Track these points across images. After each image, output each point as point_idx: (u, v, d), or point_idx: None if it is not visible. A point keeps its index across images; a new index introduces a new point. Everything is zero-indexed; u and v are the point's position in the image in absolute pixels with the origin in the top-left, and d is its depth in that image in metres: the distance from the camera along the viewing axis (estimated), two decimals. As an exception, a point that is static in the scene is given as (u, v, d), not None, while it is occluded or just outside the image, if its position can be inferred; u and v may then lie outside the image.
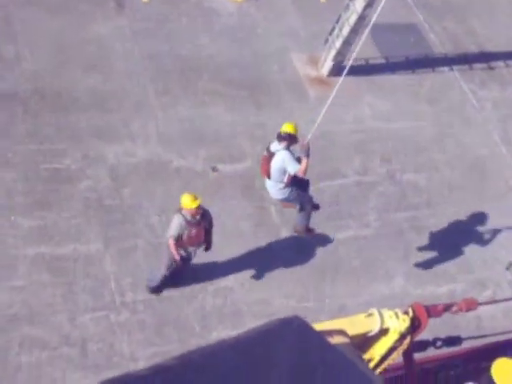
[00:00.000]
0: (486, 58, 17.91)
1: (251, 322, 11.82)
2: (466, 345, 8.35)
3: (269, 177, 10.89)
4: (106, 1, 15.49)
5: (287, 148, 10.63)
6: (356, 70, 15.99)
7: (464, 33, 18.34)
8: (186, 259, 11.08)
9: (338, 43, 14.96)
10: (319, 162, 14.25)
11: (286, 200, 11.30)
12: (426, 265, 13.43)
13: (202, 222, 10.79)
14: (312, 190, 13.49)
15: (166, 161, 13.28)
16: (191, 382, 2.02)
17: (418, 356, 7.74)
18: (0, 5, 14.53)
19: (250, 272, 12.40)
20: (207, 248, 11.24)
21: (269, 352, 2.34)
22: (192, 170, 13.35)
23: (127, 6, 15.57)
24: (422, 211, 14.22)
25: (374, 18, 9.79)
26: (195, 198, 10.48)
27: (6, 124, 12.84)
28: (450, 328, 12.21)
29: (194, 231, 10.67)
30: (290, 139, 10.62)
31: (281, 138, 10.60)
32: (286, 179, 10.83)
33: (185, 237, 10.66)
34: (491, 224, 14.30)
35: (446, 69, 17.16)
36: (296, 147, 10.82)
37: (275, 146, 10.70)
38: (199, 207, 10.55)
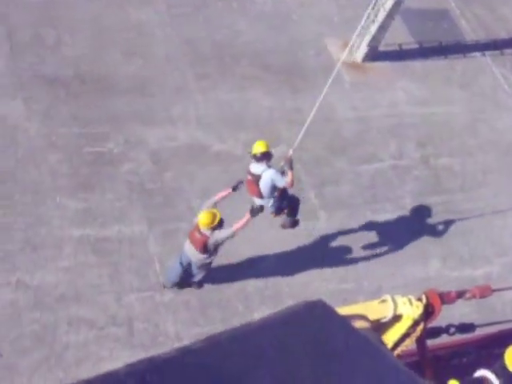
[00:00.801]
0: (516, 43, 17.67)
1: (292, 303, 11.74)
2: (479, 331, 8.16)
3: (261, 197, 10.97)
4: (144, -14, 15.36)
5: (269, 166, 10.76)
6: (390, 55, 15.85)
7: (494, 19, 18.06)
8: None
9: (373, 28, 14.77)
10: (356, 145, 14.14)
11: (279, 209, 11.32)
12: (462, 248, 13.29)
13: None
14: (350, 173, 13.43)
15: (206, 145, 13.18)
16: (217, 364, 1.96)
17: (430, 343, 7.57)
18: (41, -10, 14.44)
19: (290, 254, 12.31)
20: None
21: (293, 335, 2.27)
22: (231, 153, 13.24)
23: (164, -9, 15.44)
24: (457, 195, 14.05)
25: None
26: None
27: (49, 107, 12.77)
28: (486, 311, 12.17)
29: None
30: (267, 157, 10.73)
31: (258, 159, 10.69)
32: (277, 193, 11.06)
33: None
34: (526, 207, 14.14)
35: (477, 54, 16.92)
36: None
37: (256, 168, 10.79)
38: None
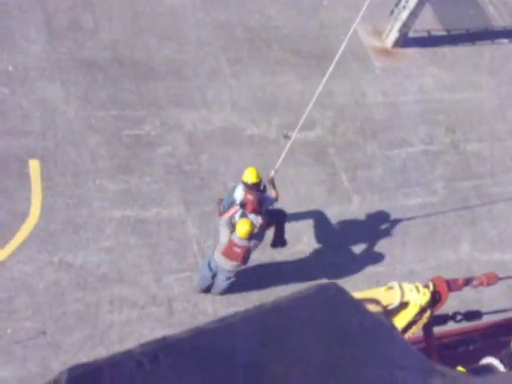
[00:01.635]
0: (543, 30, 17.51)
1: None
2: (485, 319, 8.03)
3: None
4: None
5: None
6: (419, 42, 15.74)
7: (521, 6, 17.91)
8: None
9: (404, 15, 14.65)
10: (386, 130, 14.08)
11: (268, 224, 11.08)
12: (492, 232, 13.26)
13: None
14: (382, 157, 13.37)
15: (240, 128, 13.14)
16: (229, 345, 1.93)
17: (437, 330, 7.45)
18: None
19: (323, 236, 12.29)
20: None
21: (306, 317, 2.24)
22: (265, 137, 13.21)
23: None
24: (486, 180, 14.00)
25: None
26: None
27: (87, 90, 12.74)
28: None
29: None
30: (258, 185, 10.59)
31: (253, 188, 10.51)
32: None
33: None
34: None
35: (505, 41, 16.79)
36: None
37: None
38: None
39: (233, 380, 1.87)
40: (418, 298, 6.62)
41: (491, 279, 7.21)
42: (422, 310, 6.75)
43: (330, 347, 2.22)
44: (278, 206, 11.21)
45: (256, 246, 10.33)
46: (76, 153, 11.98)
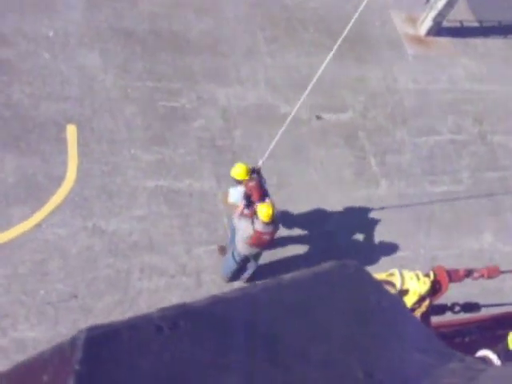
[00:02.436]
0: None
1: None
2: (484, 312, 7.87)
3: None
4: None
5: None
6: (451, 32, 15.61)
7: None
8: None
9: (440, 4, 14.51)
10: (416, 117, 14.00)
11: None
12: (515, 224, 13.22)
13: None
14: (410, 144, 13.30)
15: (274, 106, 13.07)
16: (247, 315, 1.92)
17: (435, 320, 7.36)
18: None
19: (351, 218, 12.27)
20: None
21: (325, 292, 2.19)
22: (297, 116, 13.09)
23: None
24: (512, 172, 13.95)
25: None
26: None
27: (125, 60, 12.66)
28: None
29: None
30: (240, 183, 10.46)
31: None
32: None
33: None
34: None
35: (536, 35, 16.65)
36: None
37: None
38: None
39: (250, 350, 1.84)
40: (417, 286, 6.53)
41: (492, 272, 7.12)
42: (422, 299, 6.67)
43: (348, 324, 2.18)
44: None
45: (278, 229, 10.24)
46: (112, 121, 11.92)
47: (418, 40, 15.00)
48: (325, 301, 2.12)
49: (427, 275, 6.68)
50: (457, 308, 7.42)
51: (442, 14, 14.69)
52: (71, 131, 11.63)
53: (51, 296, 10.20)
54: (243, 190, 10.26)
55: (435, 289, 6.71)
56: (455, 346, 8.03)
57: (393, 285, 6.59)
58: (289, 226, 11.78)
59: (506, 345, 6.34)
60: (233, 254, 10.45)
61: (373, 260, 11.96)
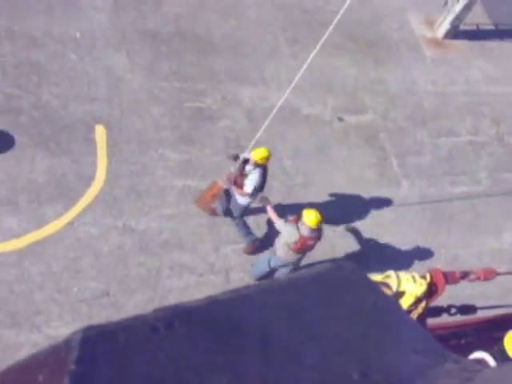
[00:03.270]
0: None
1: (376, 265, 11.78)
2: (480, 314, 7.76)
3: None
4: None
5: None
6: (468, 35, 15.66)
7: None
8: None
9: (458, 7, 14.56)
10: (435, 119, 14.05)
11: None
12: (534, 224, 13.27)
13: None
14: (430, 145, 13.35)
15: (297, 107, 13.10)
16: (242, 316, 1.90)
17: (431, 322, 7.31)
18: None
19: (373, 218, 12.31)
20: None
21: (321, 294, 2.17)
22: (320, 117, 13.18)
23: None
24: (530, 173, 14.00)
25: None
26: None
27: (151, 61, 12.69)
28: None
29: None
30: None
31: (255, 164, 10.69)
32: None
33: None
34: None
35: (550, 39, 16.70)
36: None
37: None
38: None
39: (245, 351, 1.82)
40: (414, 288, 6.46)
41: (489, 274, 7.04)
42: (418, 301, 6.60)
43: (344, 326, 2.16)
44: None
45: (322, 235, 10.29)
46: (140, 121, 11.96)
47: (435, 43, 15.05)
48: (320, 302, 2.10)
49: (423, 277, 6.62)
50: (453, 310, 7.33)
51: (459, 18, 14.74)
52: (100, 132, 11.66)
53: (84, 293, 10.24)
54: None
55: (431, 291, 6.64)
56: (451, 347, 7.86)
57: (389, 287, 6.53)
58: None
59: (502, 347, 6.22)
60: (269, 259, 10.47)
61: (394, 259, 12.01)
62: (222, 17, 13.82)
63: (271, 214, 10.29)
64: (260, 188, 10.70)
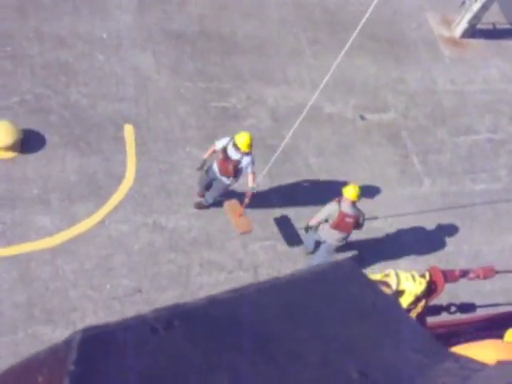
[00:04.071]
0: None
1: (401, 262, 11.83)
2: (480, 312, 7.85)
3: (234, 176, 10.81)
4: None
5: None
6: (485, 34, 15.67)
7: None
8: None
9: (476, 7, 14.57)
10: (454, 117, 14.08)
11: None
12: (554, 221, 13.29)
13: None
14: (450, 143, 13.38)
15: (319, 106, 13.10)
16: (242, 316, 1.88)
17: (430, 320, 7.32)
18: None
19: (397, 215, 12.34)
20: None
21: (320, 293, 2.15)
22: (342, 116, 13.21)
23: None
24: (549, 170, 14.03)
25: None
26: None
27: (177, 61, 12.72)
28: None
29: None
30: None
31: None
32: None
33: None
34: None
35: None
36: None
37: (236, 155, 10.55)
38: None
39: (245, 351, 1.80)
40: (413, 286, 6.34)
41: (488, 272, 6.86)
42: (417, 300, 6.49)
43: (343, 324, 2.10)
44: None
45: (362, 217, 10.52)
46: (167, 120, 11.99)
47: (453, 42, 15.07)
48: (320, 301, 2.07)
49: (423, 276, 6.42)
50: (453, 308, 7.15)
51: (477, 17, 14.75)
52: (128, 130, 11.70)
53: (117, 291, 10.29)
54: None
55: (431, 289, 6.48)
56: (451, 346, 7.74)
57: (389, 285, 6.48)
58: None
59: None
60: (312, 237, 10.86)
61: (418, 255, 12.05)
62: (244, 17, 13.84)
63: None
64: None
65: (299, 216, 11.71)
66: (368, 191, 12.37)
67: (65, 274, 10.23)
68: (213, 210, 11.34)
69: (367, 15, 9.78)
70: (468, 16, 14.81)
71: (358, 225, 10.42)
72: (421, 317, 6.76)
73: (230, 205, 11.12)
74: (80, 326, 9.93)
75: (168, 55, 12.74)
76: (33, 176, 10.90)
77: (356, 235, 11.89)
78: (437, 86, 14.32)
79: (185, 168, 11.55)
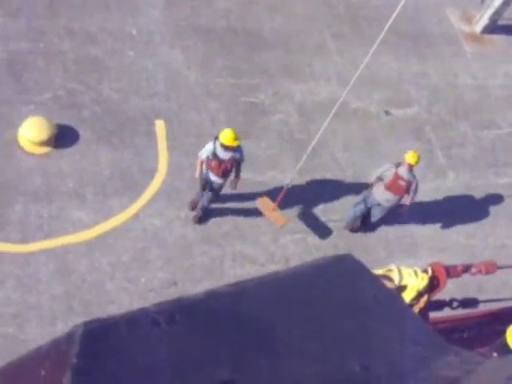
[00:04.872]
0: None
1: (427, 254, 11.89)
2: (482, 307, 7.67)
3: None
4: None
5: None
6: (505, 29, 15.67)
7: None
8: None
9: (497, 3, 14.56)
10: (476, 112, 14.11)
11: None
12: None
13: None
14: (473, 137, 13.41)
15: (345, 101, 13.09)
16: (243, 310, 1.89)
17: (433, 315, 7.13)
18: None
19: (422, 208, 12.38)
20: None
21: (321, 287, 2.15)
22: (367, 111, 13.25)
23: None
24: None
25: None
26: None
27: (205, 57, 12.75)
28: None
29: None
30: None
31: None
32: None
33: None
34: None
35: None
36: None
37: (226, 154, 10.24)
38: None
39: (246, 344, 1.82)
40: (415, 282, 6.40)
41: (490, 267, 6.90)
42: (420, 295, 6.54)
43: (345, 318, 2.13)
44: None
45: (416, 183, 10.87)
46: (197, 115, 12.04)
47: (474, 37, 15.08)
48: (321, 294, 2.12)
49: (425, 271, 6.54)
50: (455, 304, 7.21)
51: (498, 13, 14.75)
52: (160, 125, 11.75)
53: (152, 283, 10.37)
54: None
55: (433, 285, 6.56)
56: (453, 341, 7.54)
57: (391, 280, 6.46)
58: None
59: (504, 341, 6.04)
60: (364, 199, 11.20)
61: (445, 248, 12.11)
62: (270, 12, 13.86)
63: None
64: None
65: (328, 209, 11.78)
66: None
67: (101, 267, 10.31)
68: (243, 203, 11.39)
69: (396, 12, 9.69)
70: (490, 12, 14.80)
71: (409, 190, 10.74)
72: (423, 312, 6.76)
73: (262, 202, 11.15)
74: (117, 317, 10.02)
75: (197, 51, 12.77)
76: (67, 171, 10.96)
77: (382, 228, 11.97)
78: (458, 80, 14.34)
79: (216, 162, 11.59)
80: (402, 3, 10.14)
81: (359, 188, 12.19)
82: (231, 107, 12.29)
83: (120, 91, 11.89)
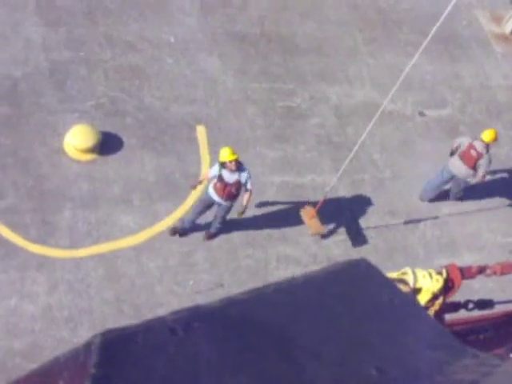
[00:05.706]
0: None
1: (466, 253, 11.95)
2: (497, 309, 7.37)
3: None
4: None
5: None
6: (533, 29, 15.67)
7: None
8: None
9: (526, 3, 14.62)
10: (509, 111, 14.16)
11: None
12: None
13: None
14: (507, 137, 13.43)
15: (380, 104, 13.19)
16: (260, 316, 1.89)
17: (448, 317, 6.95)
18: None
19: (460, 207, 12.45)
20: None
21: (337, 292, 2.15)
22: (402, 113, 13.32)
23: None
24: None
25: None
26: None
27: (241, 63, 12.89)
28: None
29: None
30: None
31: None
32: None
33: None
34: None
35: None
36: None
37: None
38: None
39: (263, 350, 1.82)
40: (430, 284, 6.24)
41: (506, 268, 6.72)
42: (435, 297, 6.37)
43: (361, 322, 2.13)
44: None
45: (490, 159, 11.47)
46: (236, 121, 12.17)
47: (503, 38, 15.11)
48: (337, 299, 2.12)
49: (440, 273, 6.37)
50: (470, 305, 7.01)
51: (527, 13, 14.81)
52: (201, 131, 11.89)
53: (199, 285, 10.50)
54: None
55: (448, 287, 6.41)
56: (470, 343, 7.37)
57: (406, 283, 6.41)
58: (404, 215, 12.02)
59: None
60: (442, 171, 11.75)
61: (482, 246, 12.16)
62: (303, 18, 13.97)
63: None
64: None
65: (367, 211, 11.86)
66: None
67: (150, 271, 10.45)
68: (285, 206, 11.50)
69: (441, 20, 9.77)
70: (518, 12, 14.86)
71: (479, 164, 11.28)
72: (439, 314, 6.60)
73: (304, 209, 11.27)
74: (167, 320, 10.14)
75: (233, 57, 12.90)
76: (113, 177, 11.12)
77: (421, 227, 12.03)
78: (490, 81, 14.39)
79: (256, 166, 11.68)
80: (447, 11, 10.15)
81: (398, 189, 12.29)
82: (269, 112, 12.41)
83: (161, 98, 12.04)
